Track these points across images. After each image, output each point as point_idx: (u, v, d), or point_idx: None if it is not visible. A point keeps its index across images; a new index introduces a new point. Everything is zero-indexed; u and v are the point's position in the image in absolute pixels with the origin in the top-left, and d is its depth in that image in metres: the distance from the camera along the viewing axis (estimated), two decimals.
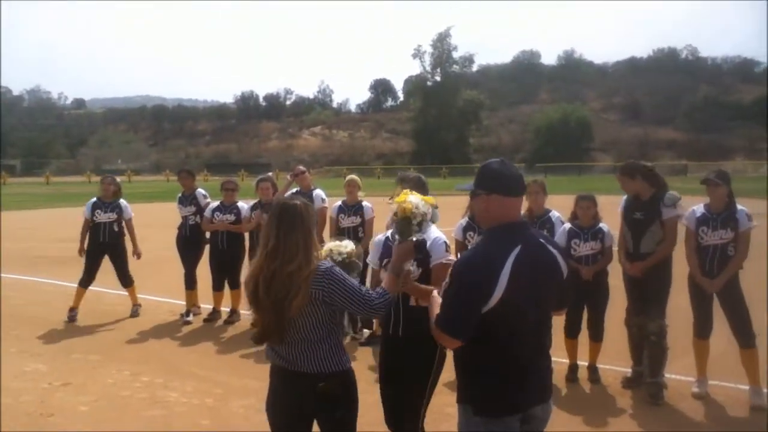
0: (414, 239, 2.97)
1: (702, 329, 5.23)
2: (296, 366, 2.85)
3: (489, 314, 2.44)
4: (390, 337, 3.57)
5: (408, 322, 3.45)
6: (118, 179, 8.50)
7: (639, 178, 5.19)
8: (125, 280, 8.13)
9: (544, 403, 2.65)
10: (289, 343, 2.84)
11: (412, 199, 3.02)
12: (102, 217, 7.97)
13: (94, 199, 8.12)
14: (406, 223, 2.96)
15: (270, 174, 8.15)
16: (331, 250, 3.20)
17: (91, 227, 8.01)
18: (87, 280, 8.01)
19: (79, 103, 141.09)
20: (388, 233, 3.62)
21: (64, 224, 19.65)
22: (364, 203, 7.02)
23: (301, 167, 7.47)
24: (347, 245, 3.25)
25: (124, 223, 8.12)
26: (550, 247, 2.64)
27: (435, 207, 3.16)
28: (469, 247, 3.14)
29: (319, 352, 2.82)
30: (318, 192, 7.28)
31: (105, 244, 8.00)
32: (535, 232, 2.68)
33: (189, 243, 7.98)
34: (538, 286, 2.53)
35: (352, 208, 6.98)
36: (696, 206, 5.27)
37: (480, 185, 2.62)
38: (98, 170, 70.77)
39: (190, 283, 7.89)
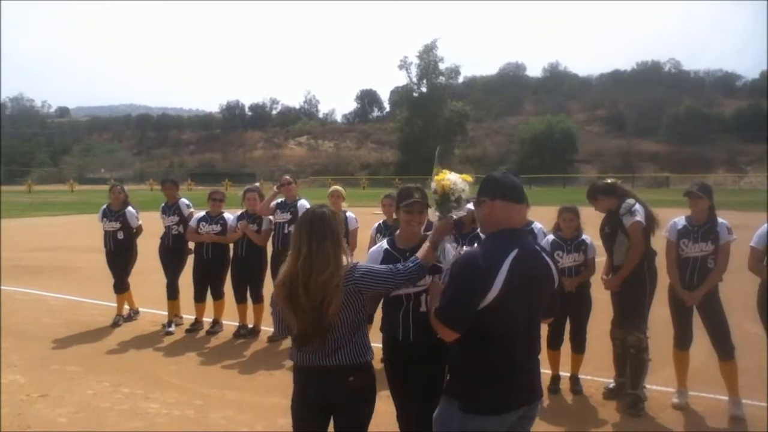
0: (453, 216, 3.18)
1: (682, 341, 5.27)
2: (327, 361, 2.95)
3: (484, 312, 2.57)
4: (401, 342, 3.52)
5: (418, 329, 3.41)
6: (111, 187, 8.48)
7: (601, 197, 5.31)
8: (118, 286, 8.13)
9: (532, 404, 2.77)
10: (321, 345, 2.96)
11: (451, 177, 3.22)
12: (107, 225, 8.11)
13: (104, 206, 8.26)
14: (445, 200, 3.17)
15: (257, 184, 8.16)
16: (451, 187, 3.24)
17: (103, 235, 8.24)
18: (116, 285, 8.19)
19: (63, 111, 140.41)
20: (385, 243, 3.61)
21: (42, 233, 19.52)
22: (348, 214, 7.00)
23: (288, 177, 7.49)
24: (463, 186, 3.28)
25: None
26: (545, 256, 2.78)
27: (471, 183, 3.30)
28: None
29: (348, 347, 2.96)
30: (302, 202, 7.27)
31: (110, 252, 8.14)
32: (532, 240, 2.82)
33: (172, 253, 7.94)
34: (530, 289, 2.65)
35: None
36: (677, 218, 5.32)
37: (484, 192, 2.78)
38: (81, 179, 70.45)
39: (173, 293, 7.83)
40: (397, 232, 3.61)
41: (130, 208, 8.20)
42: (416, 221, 3.48)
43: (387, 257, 3.47)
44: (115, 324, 7.94)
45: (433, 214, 3.35)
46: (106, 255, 8.23)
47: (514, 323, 2.63)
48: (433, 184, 3.24)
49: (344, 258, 2.94)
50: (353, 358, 2.95)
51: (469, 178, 3.29)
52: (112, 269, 8.19)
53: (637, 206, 5.12)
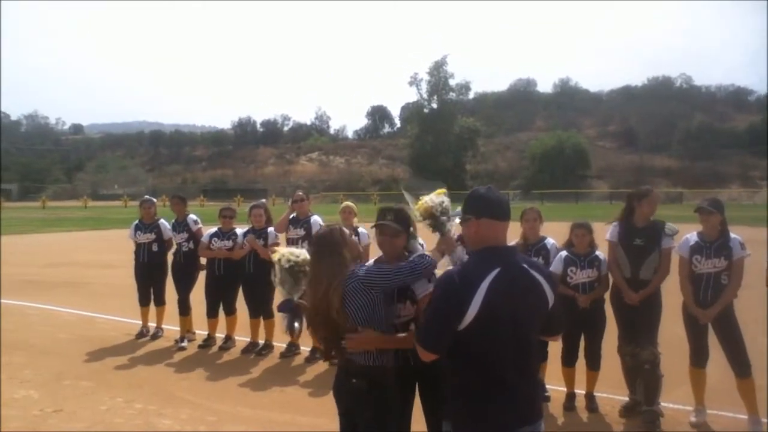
0: (451, 230, 3.32)
1: (698, 358, 5.21)
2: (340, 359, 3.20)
3: (465, 332, 2.52)
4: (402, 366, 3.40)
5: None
6: (141, 202, 8.56)
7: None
8: (158, 299, 8.22)
9: (529, 426, 2.63)
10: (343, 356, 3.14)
11: (426, 198, 3.38)
12: (142, 237, 8.18)
13: (136, 221, 8.35)
14: (434, 219, 3.30)
15: (263, 201, 8.21)
16: (282, 255, 3.51)
17: (135, 249, 8.28)
18: (141, 298, 8.28)
19: (77, 128, 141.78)
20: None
21: (56, 249, 19.67)
22: (361, 229, 7.01)
23: (301, 194, 7.52)
24: (300, 253, 3.52)
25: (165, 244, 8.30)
26: (534, 272, 2.67)
27: (446, 194, 3.48)
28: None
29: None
30: (315, 218, 7.28)
31: (145, 264, 8.18)
32: (519, 258, 2.71)
33: (183, 269, 7.98)
34: (515, 307, 2.56)
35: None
36: (689, 234, 5.28)
37: (469, 211, 2.72)
38: (95, 195, 71.00)
39: (185, 309, 7.86)
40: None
41: (162, 221, 8.28)
42: (387, 243, 3.41)
43: None
44: (154, 336, 8.12)
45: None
46: (135, 268, 8.26)
47: (498, 341, 2.56)
48: (417, 214, 3.37)
49: (347, 266, 3.11)
50: (361, 359, 3.03)
51: (443, 190, 3.46)
52: (142, 282, 8.22)
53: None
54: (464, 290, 2.51)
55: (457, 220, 3.19)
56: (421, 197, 3.43)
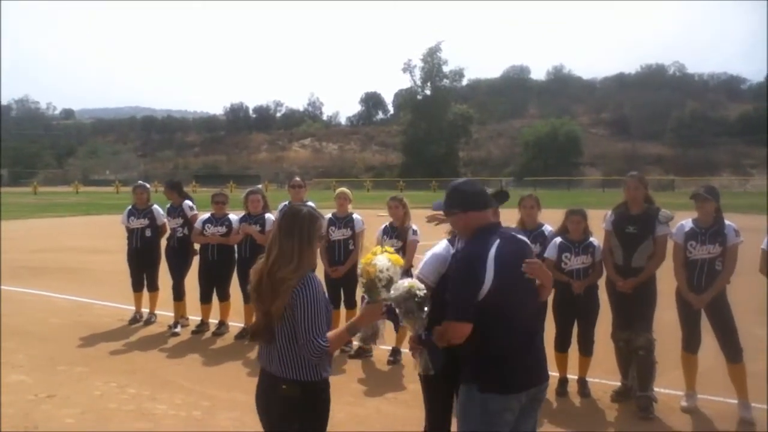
0: (384, 301, 2.93)
1: (690, 344, 5.25)
2: (269, 367, 2.92)
3: (485, 301, 2.80)
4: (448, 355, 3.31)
5: None
6: (134, 187, 8.54)
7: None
8: (151, 284, 8.20)
9: (541, 385, 3.00)
10: (269, 344, 2.90)
11: (378, 262, 2.97)
12: (135, 223, 8.14)
13: (129, 207, 8.31)
14: (372, 285, 2.93)
15: (260, 186, 8.17)
16: (413, 286, 2.98)
17: (127, 234, 8.25)
18: (135, 284, 8.24)
19: (68, 113, 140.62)
20: (444, 246, 3.50)
21: (49, 235, 19.57)
22: (355, 216, 7.01)
23: (298, 179, 7.60)
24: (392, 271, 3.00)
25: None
26: (520, 237, 3.10)
27: (401, 266, 3.06)
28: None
29: (287, 356, 2.84)
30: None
31: (138, 250, 8.14)
32: (504, 229, 3.03)
33: (177, 254, 7.97)
34: (520, 271, 2.90)
35: (343, 220, 6.98)
36: (684, 220, 5.30)
37: (454, 206, 3.03)
38: (86, 181, 70.58)
39: (179, 294, 7.85)
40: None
41: (156, 206, 8.26)
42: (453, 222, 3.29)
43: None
44: (147, 321, 8.12)
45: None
46: (128, 254, 8.22)
47: (514, 305, 2.88)
48: (359, 267, 3.01)
49: (309, 261, 2.85)
50: (289, 370, 2.83)
51: (401, 261, 3.06)
52: (135, 268, 8.19)
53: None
54: (477, 263, 2.80)
55: (395, 294, 2.94)
56: (375, 250, 3.07)
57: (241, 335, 7.39)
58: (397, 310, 3.03)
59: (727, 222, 5.13)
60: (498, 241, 2.86)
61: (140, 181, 9.01)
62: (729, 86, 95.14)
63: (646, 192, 5.35)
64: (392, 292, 2.95)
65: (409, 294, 2.95)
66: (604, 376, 5.82)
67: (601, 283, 5.58)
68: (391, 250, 3.16)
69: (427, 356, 3.16)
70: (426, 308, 3.00)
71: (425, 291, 3.03)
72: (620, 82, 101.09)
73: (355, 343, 6.82)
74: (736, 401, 5.08)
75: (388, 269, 2.94)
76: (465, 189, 3.04)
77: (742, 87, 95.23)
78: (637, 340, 5.10)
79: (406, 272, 4.47)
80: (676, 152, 69.60)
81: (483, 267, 2.78)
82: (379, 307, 2.93)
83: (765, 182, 48.68)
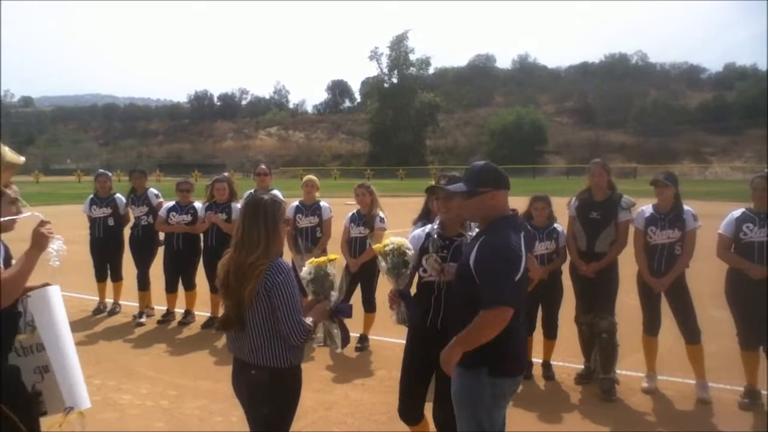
0: (331, 303, 3.13)
1: (651, 326, 5.39)
2: (240, 354, 2.96)
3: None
4: (427, 328, 3.52)
5: (446, 316, 3.40)
6: (96, 176, 8.40)
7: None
8: (114, 274, 8.06)
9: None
10: (240, 331, 2.93)
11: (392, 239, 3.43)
12: (97, 212, 7.98)
13: (91, 195, 8.14)
14: (320, 282, 3.14)
15: (226, 174, 8.08)
16: (402, 245, 3.46)
17: (89, 223, 8.08)
18: (98, 274, 8.12)
19: (27, 101, 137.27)
20: (428, 228, 3.69)
21: None
22: (322, 203, 7.01)
23: (263, 167, 7.55)
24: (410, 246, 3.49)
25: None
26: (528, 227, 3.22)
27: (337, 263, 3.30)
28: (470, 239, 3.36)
29: (257, 343, 2.89)
30: (275, 192, 7.20)
31: (101, 239, 7.98)
32: (520, 218, 3.18)
33: (142, 244, 7.87)
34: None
35: (310, 208, 6.97)
36: (645, 206, 5.42)
37: (488, 183, 2.98)
38: (46, 170, 68.94)
39: (144, 284, 7.76)
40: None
41: (118, 195, 8.11)
42: (443, 208, 3.49)
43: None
44: (111, 312, 8.03)
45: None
46: (91, 243, 8.06)
47: (525, 291, 3.09)
48: (305, 269, 3.18)
49: (276, 248, 2.94)
50: (258, 356, 2.89)
51: (336, 256, 3.31)
52: (98, 257, 8.05)
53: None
54: (519, 250, 2.88)
55: (338, 294, 3.18)
56: (325, 258, 3.24)
57: (207, 324, 7.33)
58: (383, 263, 3.39)
59: (685, 207, 5.25)
60: (522, 234, 2.96)
61: (101, 170, 8.85)
62: (689, 75, 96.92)
63: (609, 179, 5.46)
64: (388, 245, 3.39)
65: (400, 250, 3.40)
66: (568, 359, 5.94)
67: (565, 268, 5.69)
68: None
69: (404, 309, 3.47)
70: (410, 267, 3.42)
71: (412, 251, 3.46)
72: (584, 71, 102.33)
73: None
74: (694, 382, 5.24)
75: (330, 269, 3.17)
76: (493, 168, 3.06)
77: (702, 76, 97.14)
78: (599, 323, 5.22)
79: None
80: (638, 140, 70.65)
81: (520, 254, 2.87)
82: (327, 309, 3.10)
83: (724, 170, 49.91)
